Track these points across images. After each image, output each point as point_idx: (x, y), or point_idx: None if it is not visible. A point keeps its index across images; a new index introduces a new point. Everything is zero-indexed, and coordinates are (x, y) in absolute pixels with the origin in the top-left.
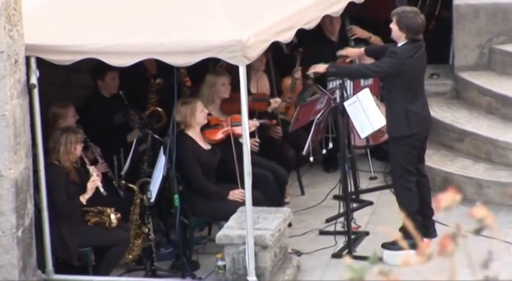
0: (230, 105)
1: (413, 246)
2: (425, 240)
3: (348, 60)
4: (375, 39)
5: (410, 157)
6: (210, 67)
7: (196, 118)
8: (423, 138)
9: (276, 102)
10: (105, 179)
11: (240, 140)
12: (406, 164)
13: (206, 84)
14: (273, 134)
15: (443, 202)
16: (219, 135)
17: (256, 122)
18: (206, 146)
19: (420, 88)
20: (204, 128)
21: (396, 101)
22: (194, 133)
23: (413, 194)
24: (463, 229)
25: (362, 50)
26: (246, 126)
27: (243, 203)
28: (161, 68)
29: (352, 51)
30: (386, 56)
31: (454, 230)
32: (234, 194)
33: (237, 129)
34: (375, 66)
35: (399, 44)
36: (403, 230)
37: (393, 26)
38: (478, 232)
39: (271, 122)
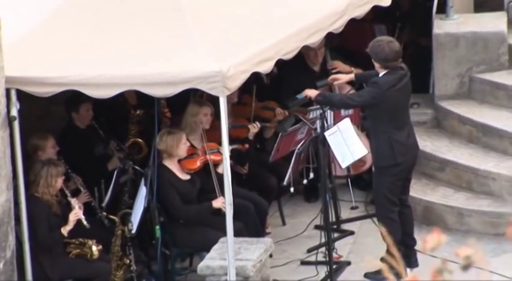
0: (211, 134)
1: (396, 276)
2: (408, 270)
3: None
4: (356, 72)
5: (394, 188)
6: (191, 97)
7: (179, 149)
8: (409, 168)
9: (254, 127)
10: (88, 208)
11: (219, 171)
12: (389, 194)
13: (188, 114)
14: (238, 170)
15: (429, 243)
16: (197, 163)
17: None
18: (184, 177)
19: (405, 117)
20: (180, 159)
21: (380, 130)
22: (172, 164)
23: (395, 224)
24: (448, 263)
25: (352, 75)
26: (227, 156)
27: (224, 234)
28: (141, 98)
29: (342, 77)
30: (368, 86)
31: (440, 265)
32: (218, 203)
33: (213, 156)
34: (356, 97)
35: (380, 75)
36: (385, 260)
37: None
38: (466, 268)
39: (243, 146)
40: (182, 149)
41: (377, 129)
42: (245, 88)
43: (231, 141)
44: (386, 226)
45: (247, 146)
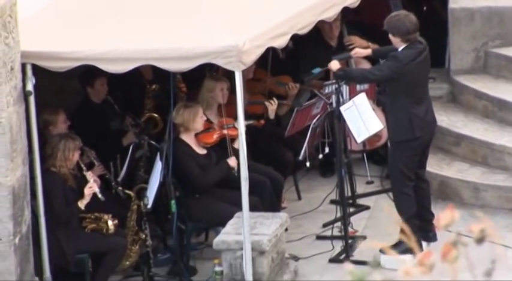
0: (227, 109)
1: (409, 250)
2: (424, 244)
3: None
4: (373, 48)
5: (411, 163)
6: (207, 72)
7: (195, 123)
8: (426, 143)
9: (272, 104)
10: (103, 181)
11: (235, 146)
12: (405, 169)
13: (205, 89)
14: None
15: (443, 220)
16: (213, 137)
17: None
18: (201, 151)
19: (423, 92)
20: (197, 133)
21: (398, 105)
22: (189, 138)
23: (410, 199)
24: (462, 237)
25: (369, 50)
26: (242, 131)
27: (239, 209)
28: (157, 73)
29: (360, 52)
30: (387, 60)
31: (454, 238)
32: (232, 161)
33: (229, 131)
34: (376, 71)
35: (399, 49)
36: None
37: (390, 35)
38: (480, 241)
39: (259, 123)
40: (199, 123)
41: (395, 104)
42: (260, 63)
43: (248, 117)
44: (400, 201)
45: (262, 122)
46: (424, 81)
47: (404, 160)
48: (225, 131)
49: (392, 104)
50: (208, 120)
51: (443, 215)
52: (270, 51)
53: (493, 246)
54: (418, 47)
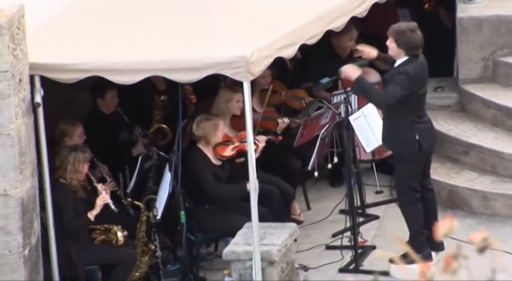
0: (239, 121)
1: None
2: (433, 254)
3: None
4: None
5: (416, 174)
6: (222, 82)
7: (216, 136)
8: (430, 153)
9: (283, 122)
10: (114, 197)
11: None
12: (410, 181)
13: (222, 99)
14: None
15: (441, 229)
16: (229, 151)
17: (265, 137)
18: (217, 162)
19: (424, 103)
20: (214, 145)
21: (403, 118)
22: (207, 149)
23: (417, 209)
24: (463, 249)
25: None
26: (251, 141)
27: (249, 219)
28: (169, 84)
29: (371, 53)
30: (398, 76)
31: (455, 250)
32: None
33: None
34: (392, 90)
35: (400, 61)
36: (409, 244)
37: (390, 44)
38: (482, 251)
39: (277, 138)
40: (219, 136)
41: (399, 116)
42: (277, 75)
43: (263, 132)
44: (408, 212)
45: (280, 138)
46: (425, 93)
47: (409, 171)
48: (243, 145)
49: (395, 116)
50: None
51: (442, 225)
52: (288, 63)
53: (498, 255)
54: (421, 58)
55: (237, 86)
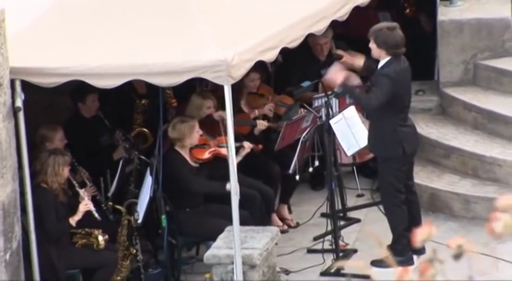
0: (215, 125)
1: (402, 263)
2: (415, 257)
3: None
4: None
5: (401, 174)
6: (197, 88)
7: (192, 138)
8: (414, 154)
9: (261, 124)
10: (93, 202)
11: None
12: (395, 182)
13: (193, 106)
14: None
15: (420, 235)
16: (206, 155)
17: (250, 144)
18: (194, 164)
19: (408, 106)
20: (191, 147)
21: (386, 121)
22: (183, 151)
23: (402, 211)
24: (444, 253)
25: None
26: (232, 145)
27: (230, 223)
28: (150, 88)
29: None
30: (379, 78)
31: (431, 255)
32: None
33: (223, 151)
34: (377, 92)
35: (383, 62)
36: (391, 247)
37: (372, 45)
38: (457, 257)
39: (257, 147)
40: (195, 138)
41: (382, 120)
42: (264, 79)
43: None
44: (392, 214)
45: (261, 146)
46: (409, 95)
47: (393, 172)
48: (219, 149)
49: (378, 120)
50: (204, 136)
51: (420, 231)
52: (269, 66)
53: (478, 259)
54: (402, 59)
55: (212, 91)
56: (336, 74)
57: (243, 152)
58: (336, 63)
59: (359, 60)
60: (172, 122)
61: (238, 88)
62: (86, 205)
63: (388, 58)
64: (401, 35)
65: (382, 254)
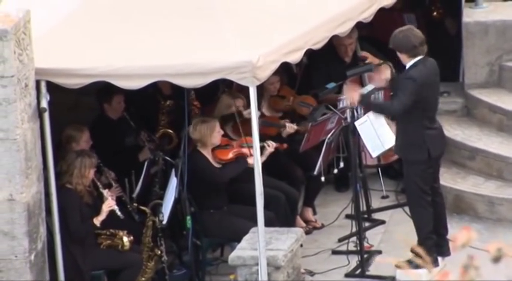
0: (244, 125)
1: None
2: (439, 259)
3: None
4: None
5: (427, 176)
6: (221, 88)
7: (213, 138)
8: (440, 156)
9: (291, 127)
10: (119, 203)
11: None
12: (421, 183)
13: (223, 105)
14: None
15: (460, 240)
16: (229, 155)
17: (274, 144)
18: (216, 165)
19: (436, 109)
20: (214, 148)
21: (412, 124)
22: (206, 152)
23: (428, 213)
24: (476, 259)
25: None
26: (257, 146)
27: (255, 224)
28: (175, 89)
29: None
30: (403, 83)
31: (466, 261)
32: (251, 159)
33: (246, 151)
34: (400, 99)
35: (408, 65)
36: (415, 251)
37: (397, 53)
38: (496, 260)
39: (282, 146)
40: (216, 138)
41: (410, 123)
42: (286, 81)
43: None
44: (418, 216)
45: (285, 145)
46: (437, 98)
47: (419, 173)
48: (243, 150)
49: (405, 122)
50: (227, 136)
51: (460, 235)
52: (294, 68)
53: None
54: (428, 63)
55: (238, 92)
56: (349, 95)
57: (267, 152)
58: (344, 84)
59: (385, 73)
60: (193, 123)
61: (260, 93)
62: (108, 205)
63: (412, 61)
64: (417, 34)
65: (407, 256)
